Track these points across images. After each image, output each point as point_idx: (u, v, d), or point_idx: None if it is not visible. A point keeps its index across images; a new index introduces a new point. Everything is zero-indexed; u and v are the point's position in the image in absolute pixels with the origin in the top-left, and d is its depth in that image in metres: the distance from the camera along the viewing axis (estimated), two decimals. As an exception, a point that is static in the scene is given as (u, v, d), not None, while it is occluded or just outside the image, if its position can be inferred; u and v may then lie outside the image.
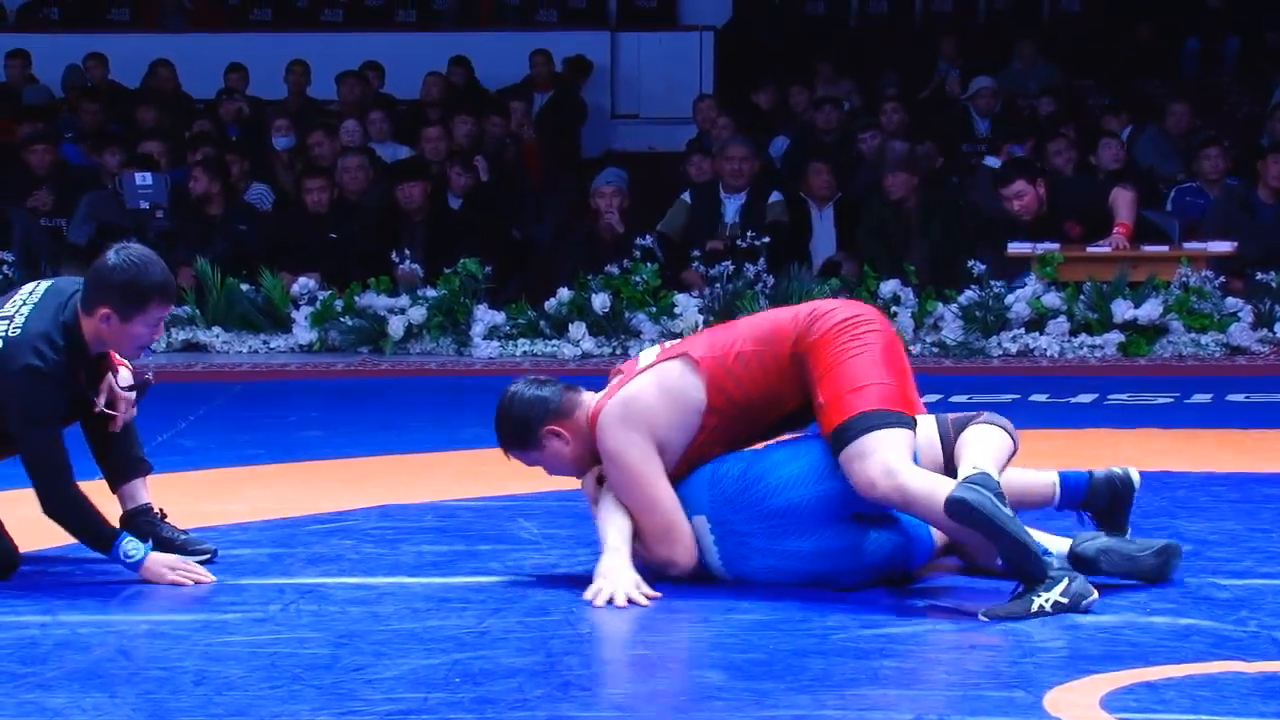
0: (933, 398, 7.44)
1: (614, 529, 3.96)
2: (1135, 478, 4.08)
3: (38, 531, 4.53)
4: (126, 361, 4.44)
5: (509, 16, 14.17)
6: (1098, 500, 4.04)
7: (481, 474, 5.30)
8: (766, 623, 3.73)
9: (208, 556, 4.44)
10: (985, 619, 3.68)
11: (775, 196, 9.92)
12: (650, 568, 3.98)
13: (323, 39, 13.55)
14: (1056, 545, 3.93)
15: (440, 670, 3.37)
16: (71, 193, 10.68)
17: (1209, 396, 7.48)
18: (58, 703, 3.17)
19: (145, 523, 4.54)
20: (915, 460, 3.85)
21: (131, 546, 4.22)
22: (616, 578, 3.88)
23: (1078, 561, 3.91)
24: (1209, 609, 3.75)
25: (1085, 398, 7.47)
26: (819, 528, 3.92)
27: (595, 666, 3.42)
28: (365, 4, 14.53)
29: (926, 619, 3.75)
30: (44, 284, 4.38)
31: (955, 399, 7.47)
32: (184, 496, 5.14)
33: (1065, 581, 3.70)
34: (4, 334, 4.19)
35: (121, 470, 4.56)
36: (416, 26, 14.14)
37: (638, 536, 3.98)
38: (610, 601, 3.85)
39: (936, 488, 3.74)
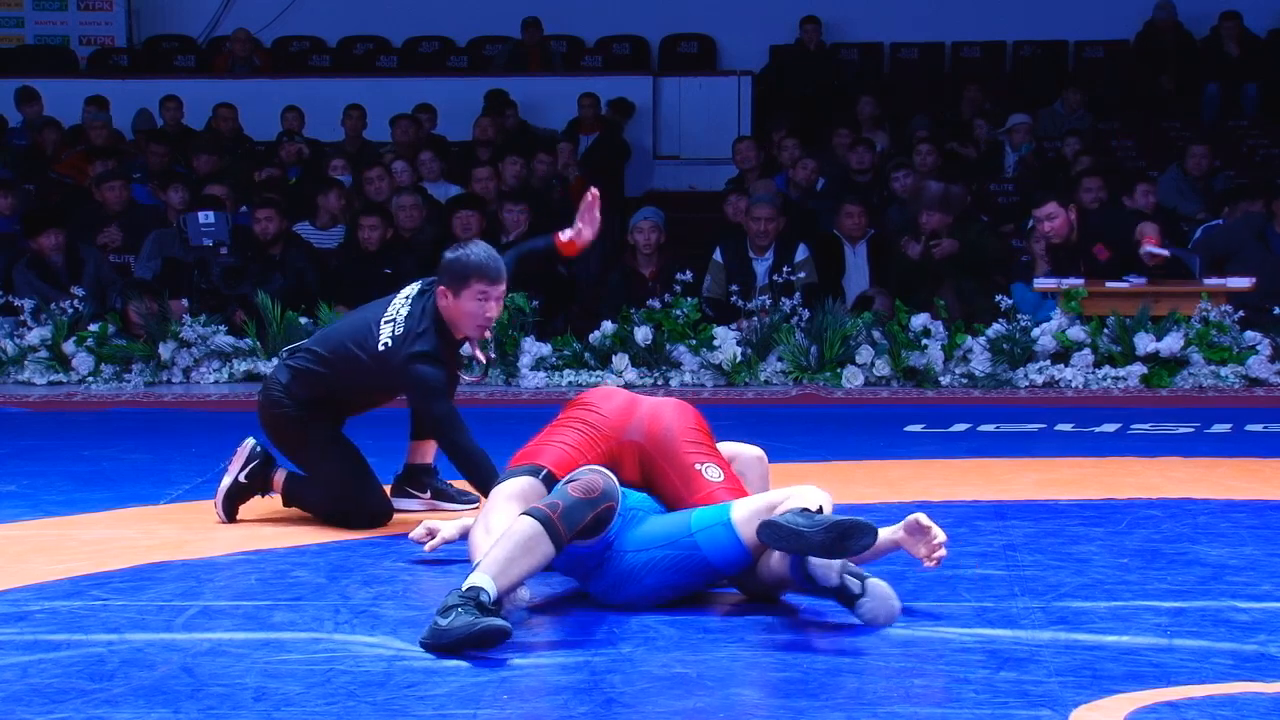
0: (961, 427, 7.61)
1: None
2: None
3: (105, 553, 4.79)
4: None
5: (556, 62, 14.23)
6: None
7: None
8: (800, 642, 3.82)
9: (476, 506, 5.25)
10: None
11: (802, 253, 9.83)
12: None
13: (378, 84, 13.69)
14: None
15: (489, 687, 3.42)
16: (139, 230, 10.79)
17: (1228, 426, 7.53)
18: (123, 718, 3.24)
19: (425, 476, 5.48)
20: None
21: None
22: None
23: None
24: (1229, 631, 3.81)
25: (1109, 427, 7.50)
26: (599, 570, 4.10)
27: (637, 684, 3.45)
28: (419, 50, 14.68)
29: (956, 641, 3.79)
30: (415, 285, 5.20)
31: (983, 428, 7.55)
32: (243, 518, 5.32)
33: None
34: (390, 334, 5.02)
35: (426, 429, 5.40)
36: (468, 72, 14.25)
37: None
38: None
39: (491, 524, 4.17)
